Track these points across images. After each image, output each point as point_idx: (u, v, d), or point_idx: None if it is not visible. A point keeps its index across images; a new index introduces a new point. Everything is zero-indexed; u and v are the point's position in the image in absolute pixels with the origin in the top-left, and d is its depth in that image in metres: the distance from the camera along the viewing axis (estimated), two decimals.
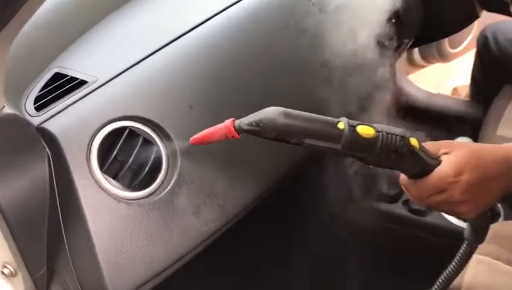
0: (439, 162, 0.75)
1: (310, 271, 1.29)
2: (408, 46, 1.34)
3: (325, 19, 1.00)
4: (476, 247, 0.86)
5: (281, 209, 1.17)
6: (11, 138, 0.76)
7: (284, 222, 1.29)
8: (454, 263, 0.87)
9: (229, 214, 0.86)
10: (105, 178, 0.80)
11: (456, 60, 2.12)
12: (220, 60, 0.96)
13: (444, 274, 0.88)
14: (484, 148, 0.78)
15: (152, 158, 0.82)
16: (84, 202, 0.77)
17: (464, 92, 1.94)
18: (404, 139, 0.72)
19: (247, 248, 1.19)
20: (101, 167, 0.80)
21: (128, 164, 0.82)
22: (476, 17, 1.33)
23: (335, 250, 1.27)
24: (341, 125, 0.71)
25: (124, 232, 0.78)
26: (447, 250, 0.96)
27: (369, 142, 0.71)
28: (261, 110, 0.72)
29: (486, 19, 1.54)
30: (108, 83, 0.86)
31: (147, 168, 0.81)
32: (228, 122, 0.73)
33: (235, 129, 0.73)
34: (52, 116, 0.81)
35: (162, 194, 0.81)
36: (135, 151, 0.82)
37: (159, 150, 0.84)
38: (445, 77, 2.15)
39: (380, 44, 1.04)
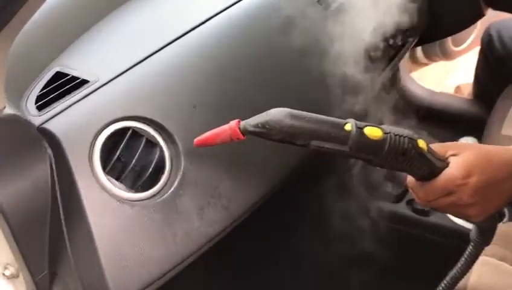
0: (447, 164, 0.74)
1: (312, 271, 1.29)
2: (412, 45, 1.33)
3: (329, 17, 0.99)
4: (483, 249, 0.85)
5: (282, 208, 1.16)
6: (12, 139, 0.75)
7: (285, 222, 1.29)
8: (460, 265, 0.86)
9: (233, 215, 0.85)
10: (108, 179, 0.79)
11: (459, 58, 2.11)
12: (223, 60, 0.95)
13: (450, 276, 0.87)
14: (493, 150, 0.77)
15: (155, 159, 0.81)
16: (87, 203, 0.76)
17: (467, 91, 1.93)
18: (412, 141, 0.71)
19: (248, 247, 1.17)
20: (104, 167, 0.79)
21: (131, 164, 0.81)
22: (481, 15, 1.32)
23: (337, 250, 1.26)
24: (348, 126, 0.70)
25: (127, 234, 0.77)
26: (451, 250, 0.95)
27: (377, 144, 0.70)
28: (267, 112, 0.70)
29: (491, 18, 1.53)
30: (110, 83, 0.85)
31: (150, 169, 0.80)
32: (233, 123, 0.72)
33: (240, 131, 0.71)
34: (54, 116, 0.80)
35: (166, 195, 0.80)
36: (138, 152, 0.81)
37: (162, 150, 0.83)
38: (447, 75, 2.14)
39: (385, 43, 1.03)
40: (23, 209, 0.75)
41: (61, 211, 0.78)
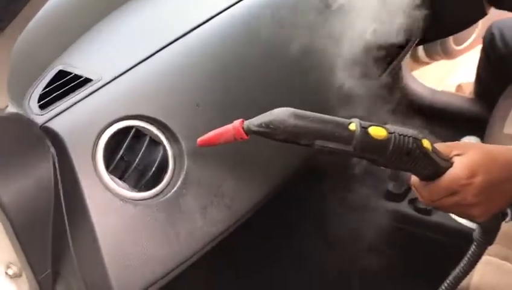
0: (451, 164, 0.73)
1: (314, 270, 1.29)
2: (414, 44, 1.32)
3: (332, 16, 0.98)
4: (486, 249, 0.85)
5: (284, 207, 1.15)
6: (15, 138, 0.75)
7: (288, 221, 1.28)
8: (463, 265, 0.86)
9: (236, 214, 0.85)
10: (111, 178, 0.78)
11: (460, 56, 2.11)
12: (226, 58, 0.94)
13: (453, 275, 0.87)
14: (497, 149, 0.77)
15: (158, 158, 0.81)
16: (90, 203, 0.76)
17: (468, 89, 1.92)
18: (417, 141, 0.71)
19: (250, 246, 1.17)
20: (107, 167, 0.79)
21: (135, 164, 0.80)
22: (484, 14, 1.31)
23: (339, 249, 1.26)
24: (352, 126, 0.69)
25: (130, 233, 0.77)
26: (453, 249, 0.95)
27: (381, 144, 0.69)
28: (271, 111, 0.70)
29: (492, 17, 1.53)
30: (114, 81, 0.85)
31: (153, 169, 0.80)
32: (237, 123, 0.71)
33: (244, 130, 0.71)
34: (57, 115, 0.80)
35: (169, 194, 0.80)
36: (142, 151, 0.80)
37: (165, 150, 0.82)
38: (448, 73, 2.14)
39: (388, 42, 1.03)
40: (26, 208, 0.75)
41: (64, 210, 0.77)
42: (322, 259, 1.27)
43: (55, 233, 0.77)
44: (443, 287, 0.88)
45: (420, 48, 1.99)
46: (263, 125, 0.69)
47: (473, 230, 0.83)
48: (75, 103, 0.82)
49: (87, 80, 0.85)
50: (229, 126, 0.72)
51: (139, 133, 0.83)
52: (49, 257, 0.78)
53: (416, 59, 2.04)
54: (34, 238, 0.76)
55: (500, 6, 1.30)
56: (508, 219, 1.26)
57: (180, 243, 0.79)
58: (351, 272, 1.26)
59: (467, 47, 2.06)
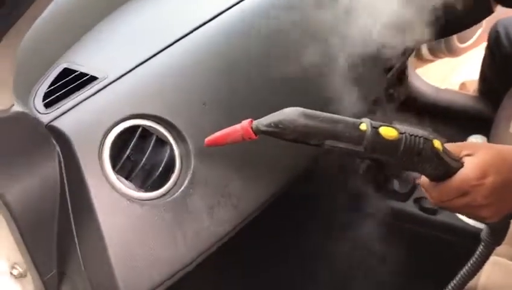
0: (461, 164, 0.73)
1: (321, 269, 1.28)
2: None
3: (340, 14, 0.97)
4: (494, 249, 0.84)
5: (291, 207, 1.15)
6: (21, 137, 0.74)
7: (294, 220, 1.28)
8: (470, 265, 0.85)
9: (243, 214, 0.84)
10: (118, 178, 0.78)
11: (464, 54, 2.10)
12: (232, 56, 0.93)
13: (460, 275, 0.87)
14: (507, 149, 0.76)
15: (165, 158, 0.80)
16: (96, 203, 0.75)
17: (472, 87, 1.92)
18: (428, 142, 0.70)
19: (257, 246, 1.17)
20: (114, 166, 0.78)
21: (141, 163, 0.79)
22: (490, 12, 1.30)
23: (345, 248, 1.26)
24: (363, 126, 0.69)
25: (137, 233, 0.76)
26: (459, 249, 0.94)
27: (392, 144, 0.69)
28: (280, 111, 0.69)
29: (497, 15, 1.52)
30: (119, 80, 0.84)
31: (160, 168, 0.79)
32: (245, 123, 0.70)
33: (252, 130, 0.70)
34: (62, 113, 0.79)
35: (176, 194, 0.79)
36: (148, 151, 0.79)
37: (172, 149, 0.81)
38: (452, 71, 2.13)
39: (395, 40, 1.02)
40: (32, 208, 0.74)
41: (70, 210, 0.77)
42: (328, 258, 1.26)
43: (61, 233, 0.77)
44: (450, 287, 0.88)
45: (424, 46, 1.99)
46: (272, 125, 0.69)
47: (479, 229, 0.83)
48: (81, 102, 0.80)
49: (93, 78, 0.84)
50: (237, 126, 0.71)
51: (146, 133, 0.82)
52: (54, 257, 0.77)
53: (420, 57, 2.03)
54: (40, 238, 0.75)
55: (506, 4, 1.29)
56: None
57: (187, 243, 0.79)
58: (357, 271, 1.25)
59: (471, 45, 2.06)
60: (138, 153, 0.81)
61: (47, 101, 0.82)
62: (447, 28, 1.35)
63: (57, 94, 0.82)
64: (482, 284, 0.98)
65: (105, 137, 0.78)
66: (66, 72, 0.87)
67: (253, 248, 1.13)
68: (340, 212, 1.23)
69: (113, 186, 0.76)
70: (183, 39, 0.91)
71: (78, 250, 0.77)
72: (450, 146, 0.74)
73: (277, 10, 0.98)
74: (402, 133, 0.69)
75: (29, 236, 0.74)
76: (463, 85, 2.00)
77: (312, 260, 1.27)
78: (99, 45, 0.95)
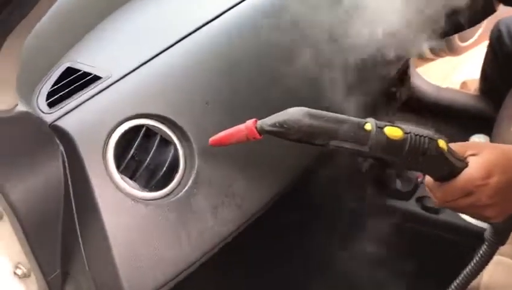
0: (466, 164, 0.73)
1: (322, 269, 1.28)
2: None
3: (343, 14, 0.97)
4: (497, 248, 0.84)
5: (294, 207, 1.15)
6: (25, 137, 0.73)
7: (297, 220, 1.27)
8: (473, 264, 0.85)
9: (246, 214, 0.84)
10: (122, 178, 0.77)
11: (465, 53, 2.10)
12: (234, 55, 0.93)
13: (463, 275, 0.86)
14: (509, 148, 0.76)
15: (170, 157, 0.80)
16: (101, 202, 0.75)
17: (473, 86, 1.92)
18: (433, 141, 0.70)
19: (260, 246, 1.17)
20: (118, 166, 0.78)
21: (146, 163, 0.79)
22: (493, 11, 1.30)
23: (349, 248, 1.26)
24: (368, 126, 0.68)
25: (141, 233, 0.76)
26: (461, 248, 0.94)
27: (397, 144, 0.68)
28: (284, 111, 0.69)
29: (498, 14, 1.52)
30: (123, 79, 0.84)
31: (164, 168, 0.79)
32: (250, 123, 0.70)
33: (257, 130, 0.70)
34: (66, 113, 0.79)
35: (180, 194, 0.79)
36: (153, 150, 0.79)
37: (176, 149, 0.81)
38: (453, 70, 2.13)
39: (399, 40, 1.02)
40: (36, 208, 0.73)
41: (74, 209, 0.76)
42: (331, 258, 1.26)
43: (65, 233, 0.76)
44: (453, 287, 0.88)
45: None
46: (277, 125, 0.68)
47: (482, 229, 0.83)
48: (85, 101, 0.80)
49: (96, 78, 0.84)
50: (241, 126, 0.71)
51: (150, 132, 0.82)
52: (58, 257, 0.77)
53: (420, 56, 2.03)
54: (44, 238, 0.75)
55: (508, 3, 1.29)
56: None
57: (191, 243, 0.78)
58: (361, 270, 1.25)
59: (472, 44, 2.05)
60: (142, 153, 0.80)
61: (50, 100, 0.82)
62: (450, 27, 1.35)
63: (61, 94, 0.82)
64: (485, 283, 0.97)
65: (110, 137, 0.77)
66: (69, 71, 0.87)
67: (256, 248, 1.13)
68: (343, 212, 1.23)
69: (117, 186, 0.76)
70: (186, 39, 0.91)
71: (82, 250, 0.77)
72: (454, 146, 0.74)
73: (279, 10, 0.98)
74: (407, 133, 0.69)
75: (34, 236, 0.74)
76: (464, 84, 2.00)
77: (315, 259, 1.27)
78: (102, 44, 0.95)
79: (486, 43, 1.71)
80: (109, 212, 0.75)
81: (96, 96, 0.81)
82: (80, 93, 0.82)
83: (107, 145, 0.77)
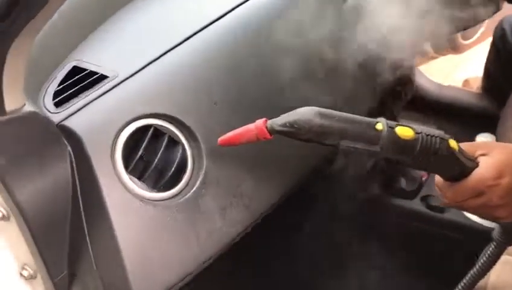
0: (476, 164, 0.72)
1: (326, 268, 1.28)
2: None
3: (349, 12, 0.97)
4: (505, 248, 0.84)
5: (299, 207, 1.14)
6: (32, 137, 0.72)
7: (299, 219, 1.27)
8: (481, 264, 0.85)
9: (255, 214, 0.84)
10: (130, 178, 0.77)
11: (467, 51, 2.10)
12: (243, 54, 0.92)
13: (470, 274, 0.86)
14: None
15: (178, 158, 0.79)
16: (109, 203, 0.74)
17: (476, 84, 1.91)
18: (444, 141, 0.69)
19: (266, 244, 1.16)
20: (126, 166, 0.77)
21: (154, 164, 0.78)
22: (498, 9, 1.29)
23: (351, 247, 1.25)
24: (379, 126, 0.68)
25: (150, 234, 0.75)
26: (466, 246, 0.94)
27: (409, 144, 0.68)
28: (295, 111, 0.68)
29: (506, 11, 1.51)
30: (130, 78, 0.83)
31: (173, 169, 0.78)
32: (260, 122, 0.69)
33: (267, 130, 0.69)
34: (73, 113, 0.78)
35: (188, 195, 0.79)
36: (161, 151, 0.78)
37: (184, 149, 0.81)
38: (455, 68, 2.13)
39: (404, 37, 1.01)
40: (43, 209, 0.73)
41: (81, 210, 0.76)
42: (335, 258, 1.26)
43: (72, 233, 0.76)
44: (460, 287, 0.88)
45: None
46: (287, 124, 0.68)
47: (486, 227, 0.83)
48: (92, 101, 0.79)
49: (103, 77, 0.83)
50: (251, 125, 0.70)
51: (157, 132, 0.81)
52: (65, 258, 0.76)
53: (423, 54, 2.02)
54: (51, 239, 0.74)
55: None
56: None
57: (199, 244, 0.78)
58: (362, 269, 1.25)
59: (474, 41, 2.05)
60: (150, 153, 0.80)
61: (57, 100, 0.81)
62: (455, 26, 1.35)
63: (67, 93, 0.81)
64: (492, 283, 0.97)
65: (118, 137, 0.77)
66: (75, 70, 0.86)
67: (262, 248, 1.13)
68: (348, 211, 1.22)
69: (125, 187, 0.75)
70: (193, 37, 0.90)
71: (90, 250, 0.76)
72: (464, 145, 0.74)
73: (286, 9, 0.98)
74: (418, 133, 0.68)
75: (41, 237, 0.73)
76: (466, 82, 1.99)
77: (320, 259, 1.27)
78: (107, 43, 0.94)
79: (488, 41, 1.70)
80: (117, 213, 0.74)
81: (103, 96, 0.80)
82: (87, 92, 0.81)
83: (115, 145, 0.76)
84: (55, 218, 0.74)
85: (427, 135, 0.69)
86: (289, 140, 0.68)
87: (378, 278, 1.23)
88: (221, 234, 0.80)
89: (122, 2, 1.01)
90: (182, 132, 0.81)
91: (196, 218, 0.78)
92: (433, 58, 2.07)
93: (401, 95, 1.42)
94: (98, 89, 0.81)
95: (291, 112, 0.68)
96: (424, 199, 1.31)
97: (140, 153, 0.78)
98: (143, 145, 0.78)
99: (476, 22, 1.45)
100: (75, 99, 0.80)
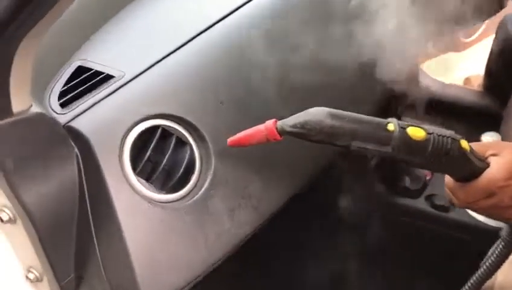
0: (487, 165, 0.72)
1: (330, 268, 1.27)
2: None
3: (355, 13, 0.96)
4: None
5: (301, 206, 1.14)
6: (39, 138, 0.71)
7: (304, 219, 1.27)
8: (488, 264, 0.85)
9: (263, 215, 0.83)
10: (138, 180, 0.76)
11: (467, 49, 2.09)
12: (249, 53, 0.91)
13: (478, 274, 0.86)
14: None
15: (186, 159, 0.78)
16: (117, 205, 0.73)
17: (477, 82, 1.91)
18: (455, 142, 0.69)
19: (270, 245, 1.16)
20: (134, 168, 0.76)
21: (162, 165, 0.78)
22: (502, 7, 1.29)
23: (356, 246, 1.25)
24: (391, 126, 0.67)
25: (159, 237, 0.75)
26: (471, 246, 0.93)
27: (420, 144, 0.67)
28: (305, 111, 0.68)
29: (509, 9, 1.51)
30: (137, 78, 0.82)
31: (181, 170, 0.77)
32: (270, 123, 0.68)
33: (277, 131, 0.68)
34: (80, 113, 0.77)
35: (197, 196, 0.78)
36: (169, 152, 0.77)
37: (192, 150, 0.80)
38: (456, 66, 2.12)
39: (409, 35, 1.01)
40: (50, 211, 0.72)
41: (89, 212, 0.75)
42: (340, 258, 1.25)
43: (79, 236, 0.75)
44: (467, 287, 0.87)
45: None
46: (298, 125, 0.67)
47: (491, 227, 0.82)
48: (99, 101, 0.78)
49: (109, 77, 0.82)
50: (261, 126, 0.69)
51: (165, 133, 0.80)
52: (72, 261, 0.76)
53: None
54: (58, 242, 0.74)
55: None
56: None
57: (208, 246, 0.77)
58: (366, 269, 1.25)
59: (475, 39, 2.04)
60: (158, 154, 0.79)
61: (63, 100, 0.80)
62: (458, 24, 1.34)
63: (73, 93, 0.80)
64: (500, 283, 0.97)
65: (126, 138, 0.76)
66: (80, 70, 0.85)
67: (269, 249, 1.12)
68: (352, 211, 1.22)
69: (133, 189, 0.75)
70: (199, 36, 0.89)
71: (98, 252, 0.75)
72: (474, 145, 0.73)
73: (292, 9, 0.97)
74: (430, 134, 0.68)
75: (48, 240, 0.72)
76: (467, 80, 1.99)
77: (324, 259, 1.26)
78: (112, 43, 0.93)
79: (489, 38, 1.70)
80: (126, 215, 0.74)
81: (110, 96, 0.79)
82: (93, 92, 0.80)
83: (123, 146, 0.75)
84: (62, 220, 0.73)
85: (439, 136, 0.68)
86: (297, 140, 0.67)
87: (381, 278, 1.22)
88: (229, 235, 0.79)
89: (125, 1, 1.00)
90: (189, 132, 0.80)
91: (205, 220, 0.78)
92: (433, 56, 2.07)
93: (405, 94, 1.42)
94: (104, 89, 0.80)
95: (301, 113, 0.67)
96: (429, 198, 1.30)
97: (148, 154, 0.77)
98: (151, 146, 0.78)
99: (480, 20, 1.45)
100: (81, 100, 0.79)
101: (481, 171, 0.71)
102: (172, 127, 0.80)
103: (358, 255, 1.22)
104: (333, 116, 0.67)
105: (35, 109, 0.71)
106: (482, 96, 1.76)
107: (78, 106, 0.78)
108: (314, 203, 1.18)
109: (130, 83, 0.81)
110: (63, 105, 0.79)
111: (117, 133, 0.76)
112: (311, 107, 0.67)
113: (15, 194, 0.69)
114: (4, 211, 0.72)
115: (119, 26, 0.95)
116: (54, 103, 0.80)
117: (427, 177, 1.32)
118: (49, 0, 0.59)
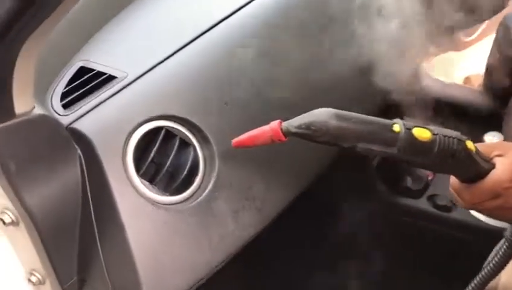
0: (493, 165, 0.71)
1: (333, 267, 1.27)
2: None
3: (363, 12, 0.95)
4: None
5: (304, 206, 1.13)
6: (42, 141, 0.71)
7: (307, 219, 1.26)
8: (492, 264, 0.84)
9: (267, 217, 0.83)
10: (142, 182, 0.75)
11: (467, 48, 2.09)
12: (252, 53, 0.91)
13: (481, 274, 0.85)
14: None
15: (190, 160, 0.78)
16: (121, 207, 0.73)
17: (477, 82, 1.91)
18: (461, 142, 0.69)
19: (274, 246, 1.15)
20: (137, 169, 0.75)
21: (166, 167, 0.77)
22: (503, 7, 1.29)
23: (358, 246, 1.25)
24: (397, 127, 0.67)
25: (162, 239, 0.74)
26: (473, 246, 0.93)
27: (426, 145, 0.67)
28: (310, 112, 0.67)
29: (509, 8, 1.50)
30: (140, 79, 0.81)
31: (185, 171, 0.77)
32: (274, 124, 0.68)
33: (282, 132, 0.68)
34: (83, 115, 0.76)
35: (200, 198, 0.78)
36: (173, 153, 0.77)
37: (196, 151, 0.79)
38: (455, 65, 2.12)
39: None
40: (53, 213, 0.71)
41: (92, 214, 0.74)
42: (342, 257, 1.25)
43: (82, 238, 0.74)
44: (471, 287, 0.87)
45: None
46: (303, 126, 0.66)
47: (494, 227, 0.82)
48: (102, 102, 0.78)
49: (111, 77, 0.81)
50: (265, 127, 0.69)
51: (168, 134, 0.79)
52: (75, 263, 0.75)
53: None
54: (61, 244, 0.73)
55: None
56: None
57: (211, 248, 0.77)
58: (368, 268, 1.25)
59: (475, 39, 2.04)
60: (161, 156, 0.78)
61: (65, 101, 0.79)
62: (459, 24, 1.34)
63: (75, 94, 0.79)
64: (504, 283, 0.96)
65: (129, 139, 0.75)
66: (83, 70, 0.84)
67: (272, 250, 1.11)
68: (354, 210, 1.21)
69: (137, 191, 0.74)
70: (202, 36, 0.89)
71: (101, 255, 0.75)
72: (480, 146, 0.73)
73: (295, 8, 0.96)
74: (435, 134, 0.68)
75: (50, 242, 0.72)
76: (467, 79, 1.99)
77: (326, 259, 1.26)
78: (114, 43, 0.92)
79: (489, 38, 1.69)
80: (129, 217, 0.73)
81: (113, 97, 0.78)
82: (96, 93, 0.79)
83: (126, 148, 0.75)
84: (65, 222, 0.73)
85: (445, 136, 0.68)
86: (301, 141, 0.66)
87: (383, 278, 1.22)
88: (233, 237, 0.79)
89: (126, 1, 0.99)
90: (193, 133, 0.80)
91: (208, 222, 0.77)
92: (433, 55, 2.06)
93: (405, 94, 1.42)
94: (107, 90, 0.79)
95: (306, 114, 0.67)
96: (431, 198, 1.29)
97: (152, 155, 0.77)
98: (155, 148, 0.77)
99: (481, 19, 1.45)
100: (83, 101, 0.79)
101: (487, 172, 0.71)
102: (176, 128, 0.79)
103: (357, 255, 1.22)
104: (339, 117, 0.66)
105: (38, 110, 0.70)
106: (482, 96, 1.76)
107: (80, 107, 0.77)
108: (316, 202, 1.17)
109: (133, 83, 0.80)
110: (65, 106, 0.79)
111: (120, 135, 0.75)
112: (315, 108, 0.66)
113: (17, 196, 0.69)
114: (6, 213, 0.71)
115: (121, 26, 0.95)
116: (56, 104, 0.79)
117: (429, 177, 1.32)
118: (52, 2, 0.58)
